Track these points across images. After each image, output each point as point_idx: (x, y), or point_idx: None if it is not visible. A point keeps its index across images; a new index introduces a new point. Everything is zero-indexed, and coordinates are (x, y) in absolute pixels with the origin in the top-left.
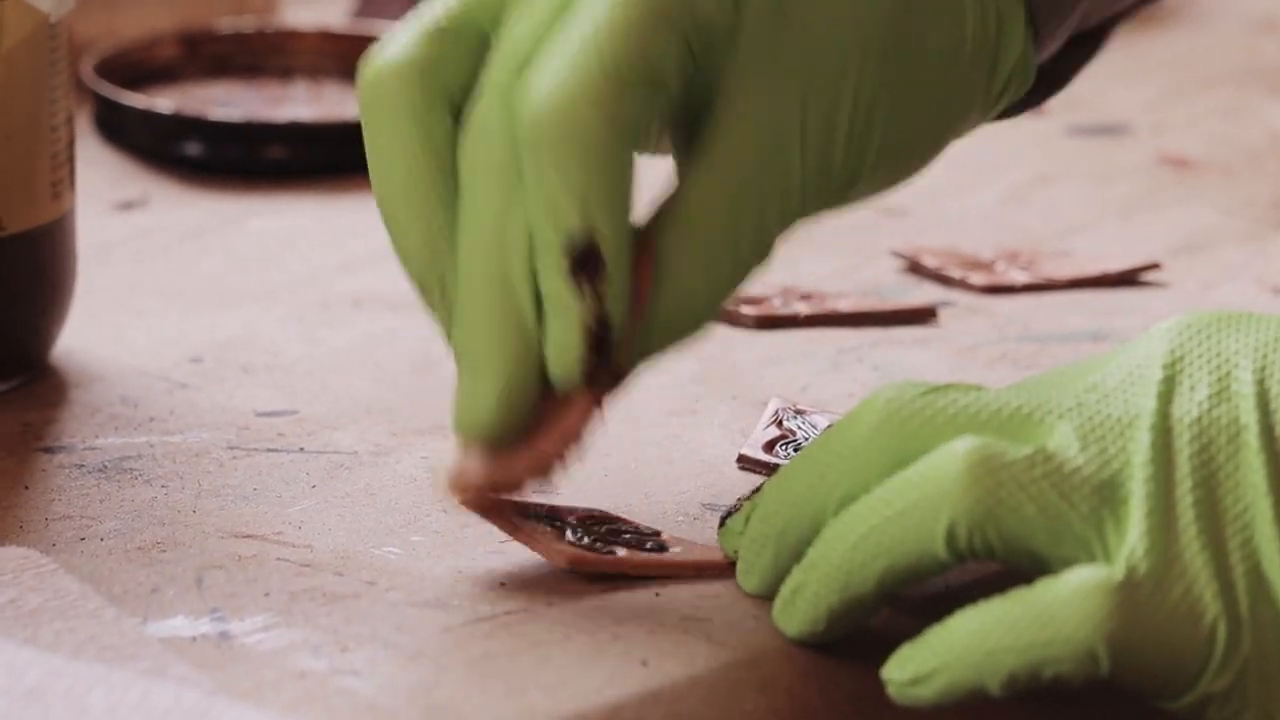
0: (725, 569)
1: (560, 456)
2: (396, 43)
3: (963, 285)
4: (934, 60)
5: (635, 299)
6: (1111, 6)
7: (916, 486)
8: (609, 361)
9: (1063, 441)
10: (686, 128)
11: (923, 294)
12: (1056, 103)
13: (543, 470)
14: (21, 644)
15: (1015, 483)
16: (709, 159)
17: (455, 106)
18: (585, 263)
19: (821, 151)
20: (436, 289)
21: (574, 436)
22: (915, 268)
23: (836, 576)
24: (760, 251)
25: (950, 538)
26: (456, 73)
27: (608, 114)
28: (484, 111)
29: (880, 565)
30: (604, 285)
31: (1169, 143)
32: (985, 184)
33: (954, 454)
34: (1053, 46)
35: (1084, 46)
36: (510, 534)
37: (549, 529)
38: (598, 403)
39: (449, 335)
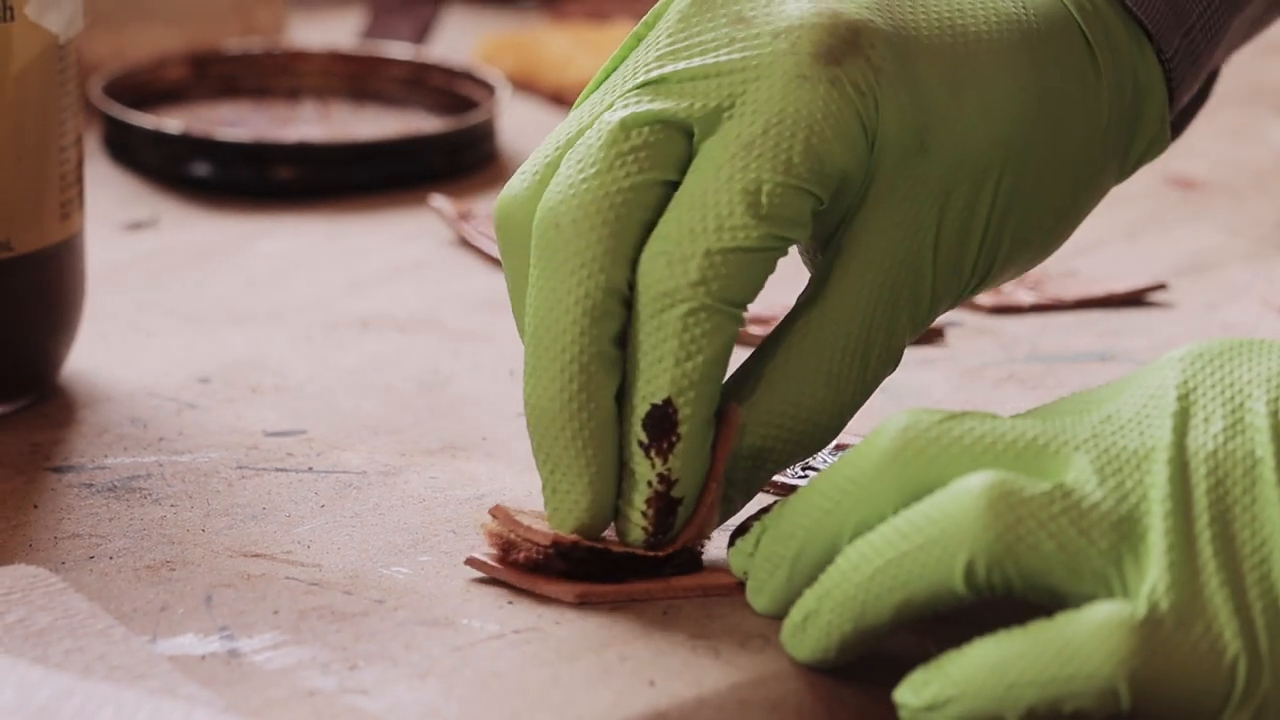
0: (733, 589)
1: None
2: (577, 179)
3: (970, 305)
4: (1072, 152)
5: (715, 465)
6: (1229, 52)
7: (935, 521)
8: (672, 530)
9: (1080, 476)
10: (820, 232)
11: None
12: None
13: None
14: (31, 663)
15: (1034, 519)
16: (838, 273)
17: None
18: (655, 428)
19: (955, 258)
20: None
21: (625, 595)
22: None
23: (851, 606)
24: (890, 360)
25: (969, 574)
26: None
27: (715, 290)
28: (569, 203)
29: (897, 598)
30: (673, 454)
31: (1175, 164)
32: None
33: (973, 489)
34: (1184, 102)
35: (1201, 91)
36: (516, 584)
37: (552, 571)
38: (668, 565)
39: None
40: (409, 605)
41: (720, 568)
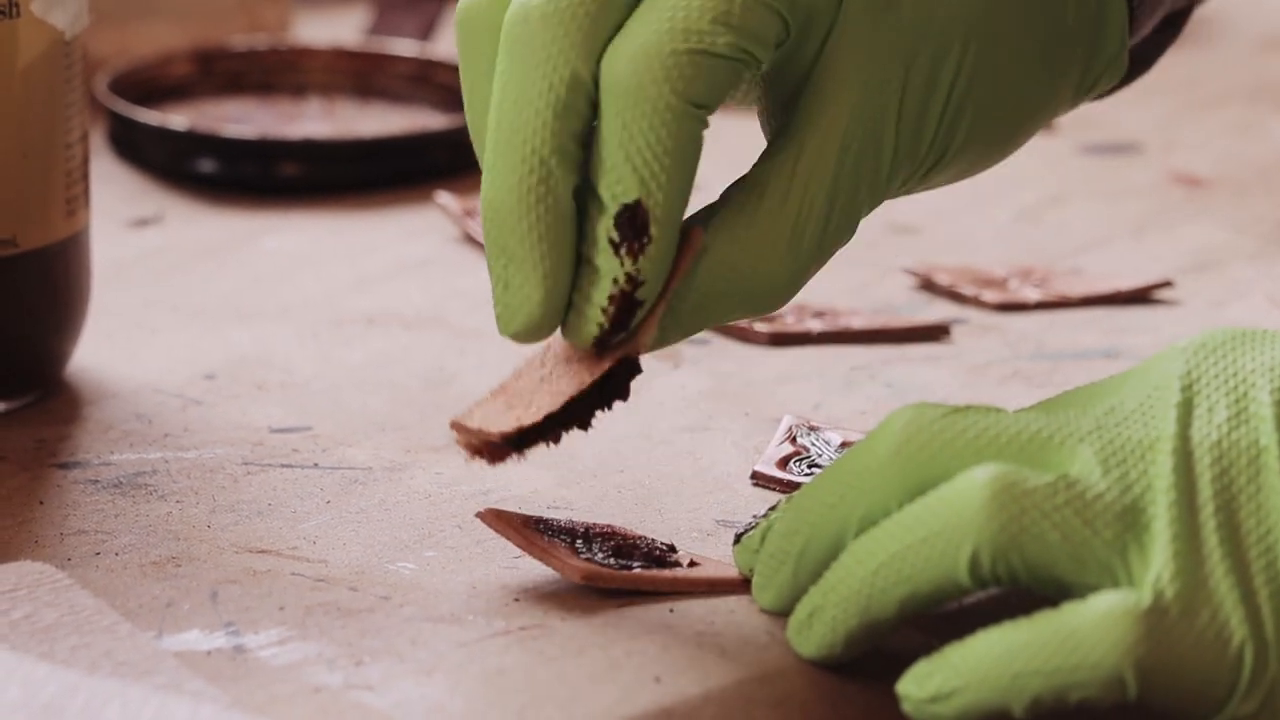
0: (739, 585)
1: (563, 418)
2: None
3: (975, 303)
4: (1034, 46)
5: (670, 278)
6: None
7: (938, 514)
8: (627, 333)
9: (1084, 467)
10: (779, 93)
11: (936, 311)
12: (1068, 122)
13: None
14: (37, 659)
15: (1038, 510)
16: (805, 130)
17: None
18: (626, 228)
19: (915, 129)
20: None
21: (564, 405)
22: (928, 285)
23: (856, 601)
24: (847, 228)
25: (974, 565)
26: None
27: (679, 86)
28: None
29: (902, 591)
30: (643, 255)
31: (1180, 161)
32: (998, 202)
33: (976, 481)
34: (1145, 31)
35: (1169, 27)
36: (524, 549)
37: (563, 544)
38: (604, 372)
39: (482, 199)
40: (415, 601)
41: (726, 564)
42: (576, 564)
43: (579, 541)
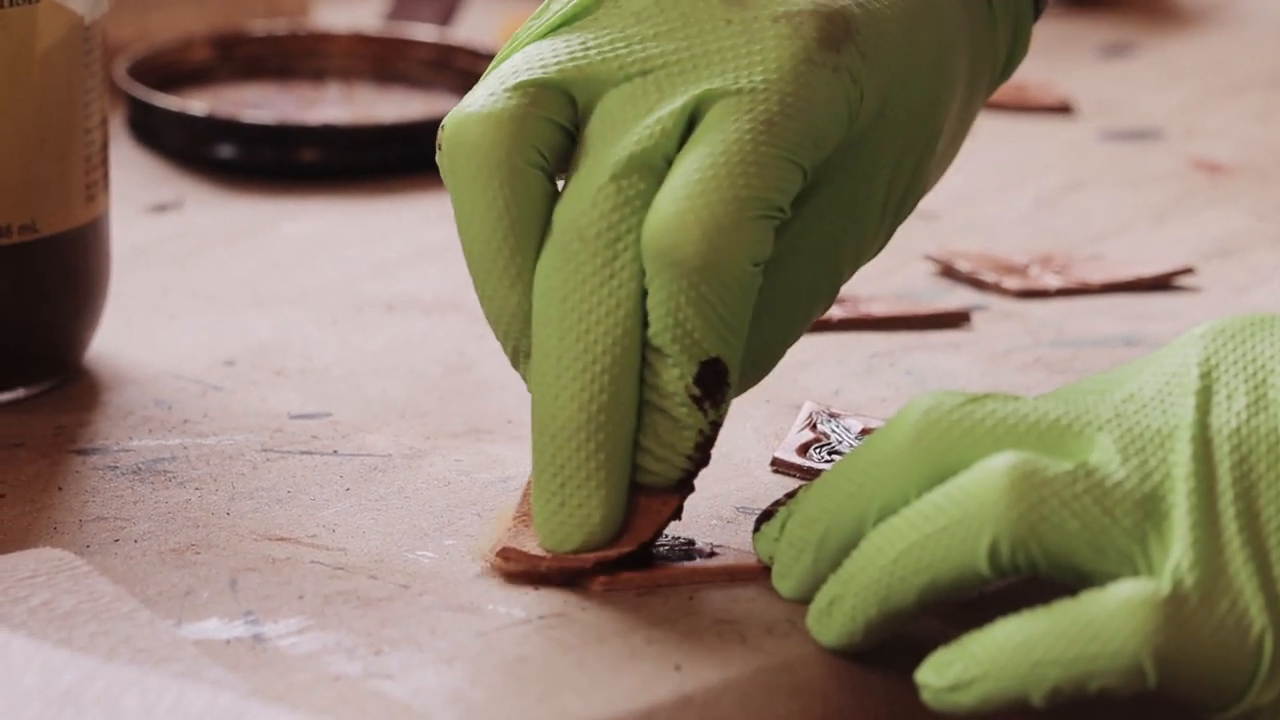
0: (759, 573)
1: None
2: (481, 97)
3: (996, 289)
4: (980, 97)
5: None
6: None
7: (958, 503)
8: (706, 462)
9: (1103, 455)
10: None
11: (956, 298)
12: (1089, 108)
13: (608, 567)
14: (56, 646)
15: (1058, 499)
16: (795, 236)
17: (545, 166)
18: (710, 383)
19: (896, 212)
20: (529, 357)
21: (650, 538)
22: (949, 272)
23: (876, 590)
24: (829, 304)
25: (993, 554)
26: (545, 132)
27: (751, 252)
28: (598, 204)
29: (921, 580)
30: (724, 403)
31: (1201, 147)
32: (1018, 189)
33: (995, 470)
34: None
35: None
36: (540, 579)
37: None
38: (681, 500)
39: (533, 416)
40: (434, 590)
41: (746, 552)
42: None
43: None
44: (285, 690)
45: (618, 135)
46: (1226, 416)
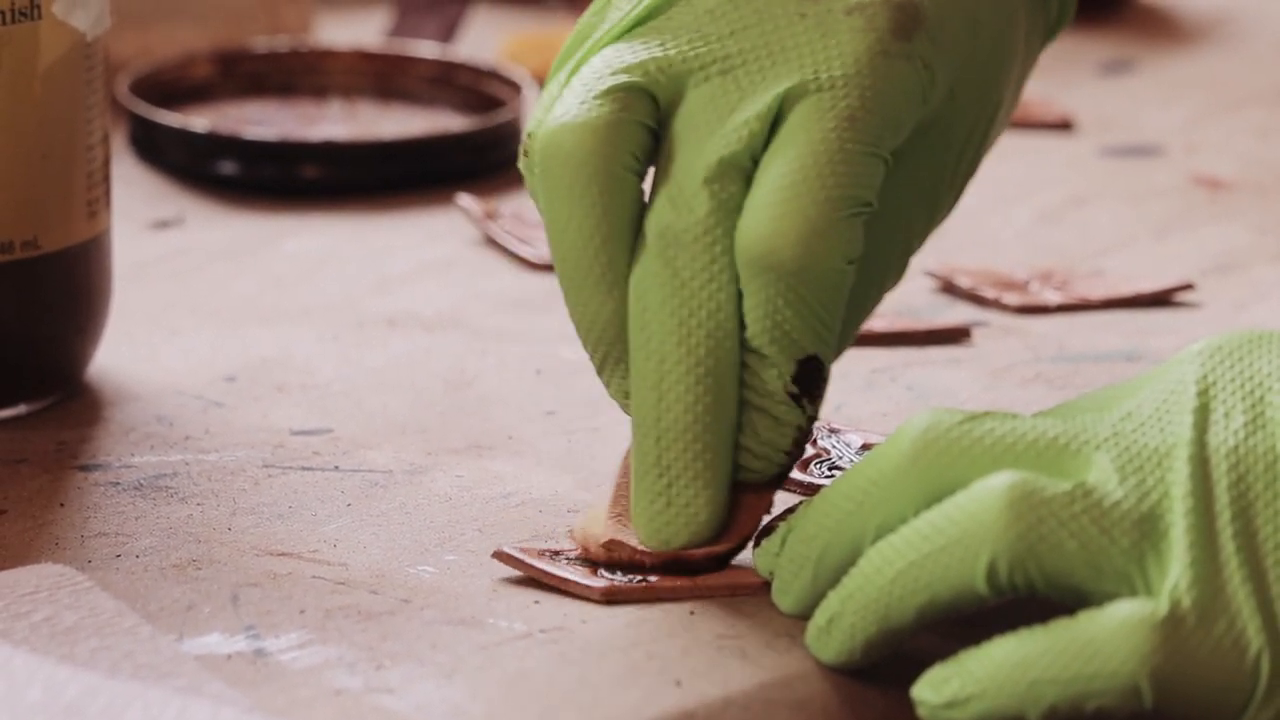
0: (759, 589)
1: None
2: (573, 105)
3: (997, 305)
4: (1028, 72)
5: None
6: None
7: (956, 522)
8: (801, 456)
9: (1101, 474)
10: None
11: (956, 314)
12: (1090, 124)
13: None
14: (58, 661)
15: (1055, 519)
16: (879, 212)
17: (639, 170)
18: (808, 380)
19: (960, 188)
20: (618, 367)
21: (750, 532)
22: (949, 288)
23: (875, 609)
24: (903, 273)
25: (991, 574)
26: (638, 136)
27: (845, 251)
28: (693, 209)
29: (919, 600)
30: (820, 398)
31: (1202, 163)
32: (1019, 204)
33: (993, 490)
34: None
35: None
36: (543, 579)
37: (581, 567)
38: (771, 495)
39: (636, 418)
40: (435, 604)
41: (747, 568)
42: (594, 584)
43: (601, 567)
44: (287, 705)
45: (704, 137)
46: (1224, 435)
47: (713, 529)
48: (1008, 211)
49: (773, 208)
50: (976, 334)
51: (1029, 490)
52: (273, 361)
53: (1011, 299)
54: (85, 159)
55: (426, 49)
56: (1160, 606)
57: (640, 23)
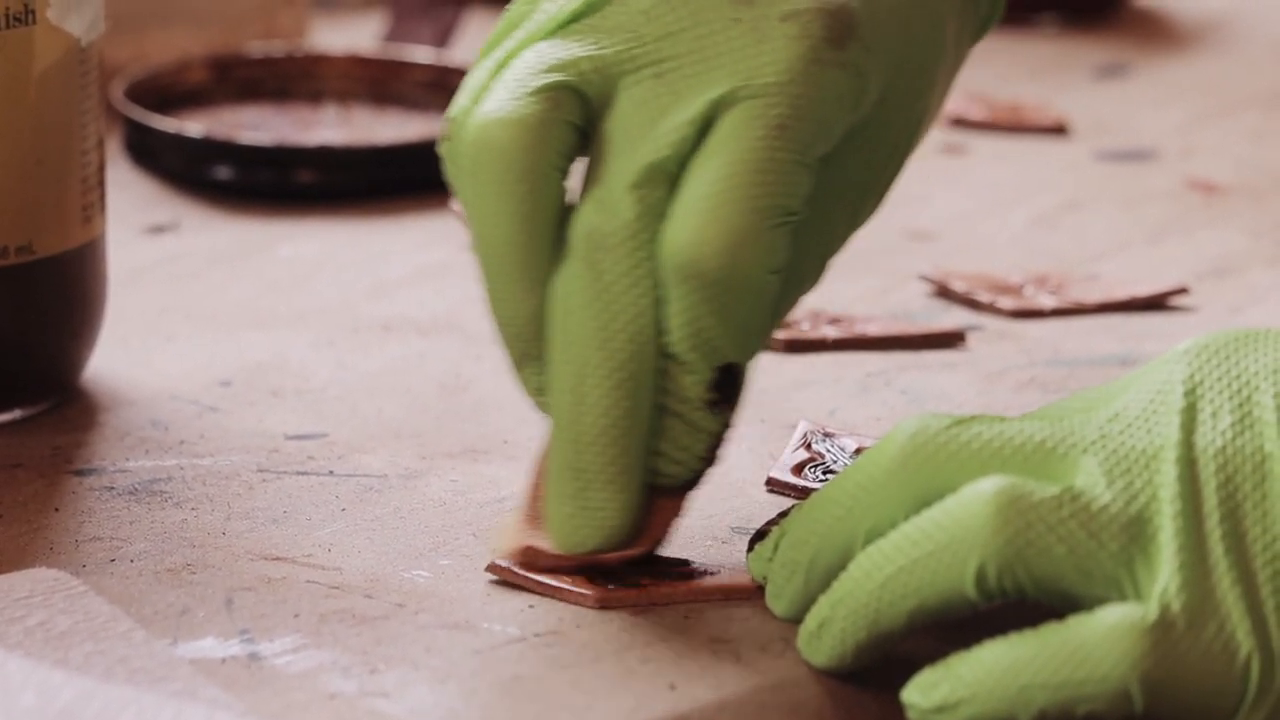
0: (753, 593)
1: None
2: (503, 100)
3: (991, 309)
4: (956, 68)
5: None
6: None
7: (945, 528)
8: (716, 462)
9: (1089, 478)
10: None
11: (951, 318)
12: (1085, 128)
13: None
14: (52, 666)
15: (1044, 524)
16: (806, 218)
17: (564, 169)
18: (727, 387)
19: (896, 173)
20: (535, 365)
21: (663, 536)
22: (944, 292)
23: (865, 614)
24: (822, 274)
25: (980, 579)
26: (567, 136)
27: (769, 261)
28: (611, 223)
29: (909, 605)
30: (737, 405)
31: (1197, 167)
32: (1014, 208)
33: (981, 495)
34: None
35: None
36: (537, 590)
37: (575, 575)
38: (684, 500)
39: (553, 422)
40: (430, 609)
41: (740, 572)
42: (588, 592)
43: (597, 575)
44: (281, 709)
45: (634, 141)
46: (1211, 435)
47: (624, 533)
48: (1003, 215)
49: (698, 215)
50: (971, 338)
51: (1017, 495)
52: (268, 366)
53: (1006, 303)
54: (80, 164)
55: (421, 54)
56: (1150, 611)
57: (574, 19)
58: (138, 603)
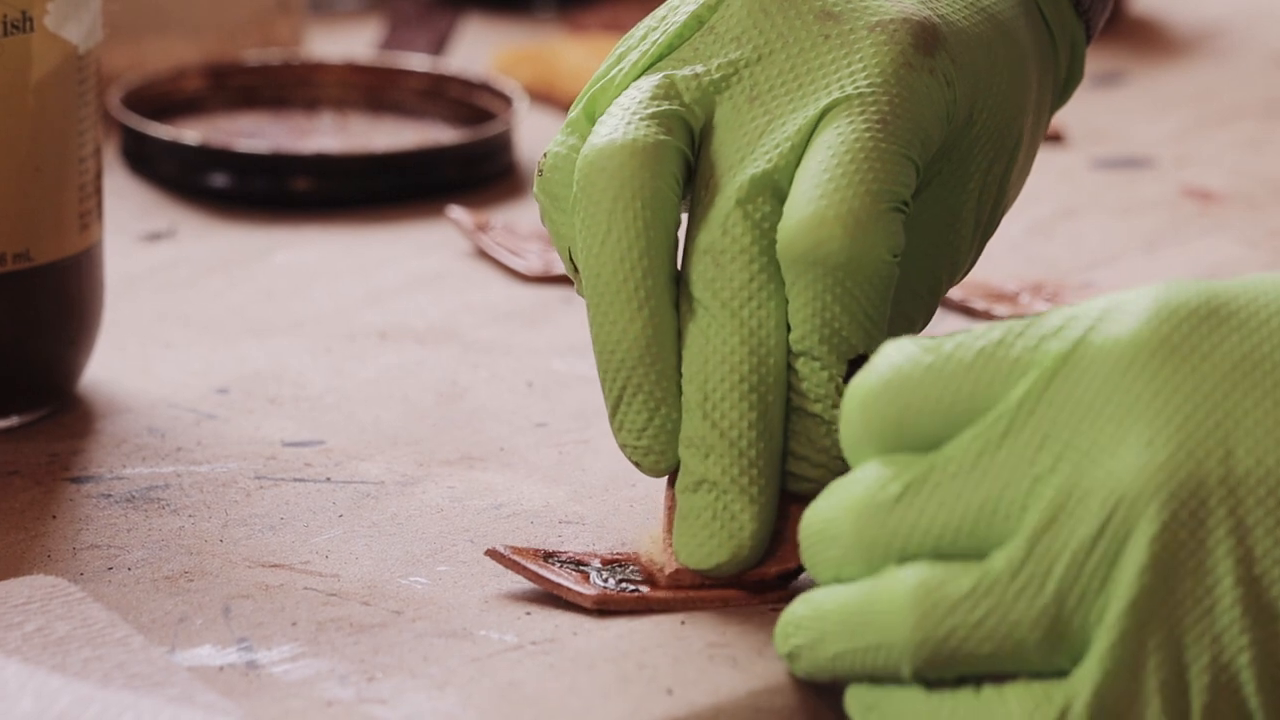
0: (749, 600)
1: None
2: (618, 127)
3: (987, 317)
4: (1048, 115)
5: None
6: None
7: (874, 627)
8: None
9: (1013, 553)
10: None
11: (947, 326)
12: (1081, 137)
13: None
14: (50, 671)
15: (964, 626)
16: (907, 250)
17: (679, 193)
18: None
19: (987, 220)
20: (636, 400)
21: None
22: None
23: (823, 674)
24: (931, 314)
25: (917, 676)
26: (679, 160)
27: (889, 243)
28: (727, 230)
29: (862, 674)
30: None
31: (1192, 176)
32: (1010, 216)
33: (898, 601)
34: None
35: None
36: (536, 582)
37: (574, 573)
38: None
39: (683, 438)
40: (427, 616)
41: (734, 579)
42: (587, 591)
43: (590, 571)
44: (279, 716)
45: (736, 160)
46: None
47: (757, 545)
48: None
49: (814, 203)
50: None
51: (934, 600)
52: (265, 373)
53: (1002, 311)
54: (77, 171)
55: (418, 62)
56: (1076, 706)
57: (668, 52)
58: (135, 611)
